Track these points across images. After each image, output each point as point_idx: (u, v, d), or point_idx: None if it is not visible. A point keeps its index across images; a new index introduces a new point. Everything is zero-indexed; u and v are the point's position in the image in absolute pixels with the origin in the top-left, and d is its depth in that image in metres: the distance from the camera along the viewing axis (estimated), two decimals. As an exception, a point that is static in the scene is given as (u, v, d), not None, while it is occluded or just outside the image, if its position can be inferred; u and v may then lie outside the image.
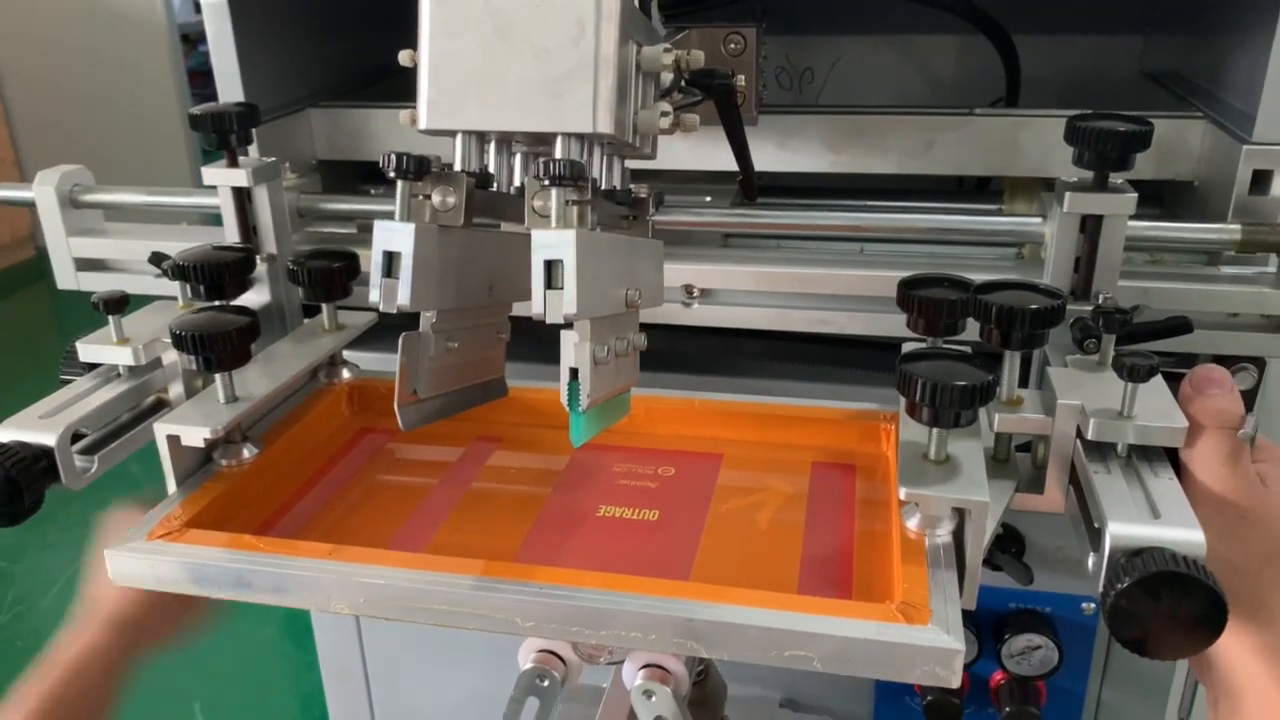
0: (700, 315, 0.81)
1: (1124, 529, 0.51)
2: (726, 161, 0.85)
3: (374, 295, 0.49)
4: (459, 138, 0.53)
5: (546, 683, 0.60)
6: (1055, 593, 0.91)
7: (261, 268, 0.83)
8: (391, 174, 0.50)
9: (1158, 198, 0.89)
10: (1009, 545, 0.89)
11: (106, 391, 0.69)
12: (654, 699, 0.58)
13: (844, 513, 0.65)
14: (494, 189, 0.54)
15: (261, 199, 0.81)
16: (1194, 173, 0.84)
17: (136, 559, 0.58)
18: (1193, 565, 0.48)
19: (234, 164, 0.79)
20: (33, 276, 4.21)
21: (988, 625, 0.91)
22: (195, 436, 0.63)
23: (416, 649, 1.09)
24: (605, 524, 0.64)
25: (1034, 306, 0.58)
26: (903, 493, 0.55)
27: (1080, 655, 0.92)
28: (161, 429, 0.64)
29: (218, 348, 0.63)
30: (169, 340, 0.68)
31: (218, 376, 0.65)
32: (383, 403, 0.78)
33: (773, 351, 0.84)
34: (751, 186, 0.77)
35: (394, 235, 0.48)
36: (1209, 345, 0.74)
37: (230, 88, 0.90)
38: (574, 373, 0.51)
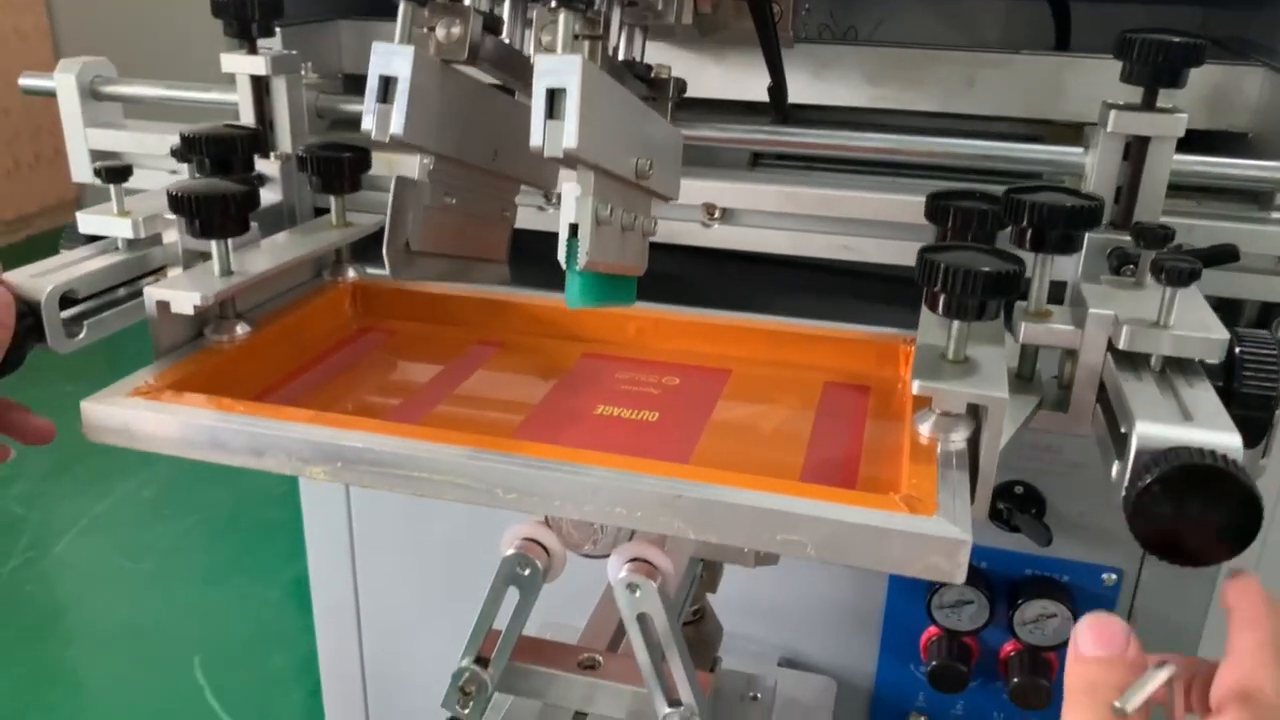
0: (720, 236, 0.78)
1: (1152, 429, 0.47)
2: (760, 90, 0.82)
3: (367, 121, 0.46)
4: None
5: (528, 571, 0.57)
6: (1075, 560, 0.86)
7: (274, 166, 0.81)
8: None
9: (1210, 150, 0.85)
10: (1028, 505, 0.85)
11: (102, 260, 0.67)
12: (638, 593, 0.55)
13: (853, 424, 0.62)
14: (504, 38, 0.51)
15: (279, 91, 0.79)
16: (1250, 124, 0.80)
17: (112, 411, 0.56)
18: (1226, 461, 0.44)
19: (253, 52, 0.78)
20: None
21: (1001, 591, 0.87)
22: (185, 303, 0.61)
23: (415, 609, 1.06)
24: (602, 421, 0.62)
25: (1070, 204, 0.55)
26: (915, 386, 0.51)
27: (1099, 629, 0.87)
28: (152, 293, 0.61)
29: (214, 211, 0.61)
30: (171, 216, 0.67)
31: (214, 247, 0.63)
32: (386, 304, 0.76)
33: (791, 282, 0.81)
34: (783, 98, 0.74)
35: (392, 59, 0.46)
36: (1257, 290, 0.70)
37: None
38: (573, 229, 0.49)
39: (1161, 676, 0.40)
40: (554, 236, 0.49)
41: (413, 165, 0.51)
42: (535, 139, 0.44)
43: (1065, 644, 0.84)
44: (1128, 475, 0.47)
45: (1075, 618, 0.84)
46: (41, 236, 4.16)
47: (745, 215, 0.77)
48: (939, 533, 0.46)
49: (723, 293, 0.85)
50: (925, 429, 0.54)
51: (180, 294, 0.61)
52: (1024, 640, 0.86)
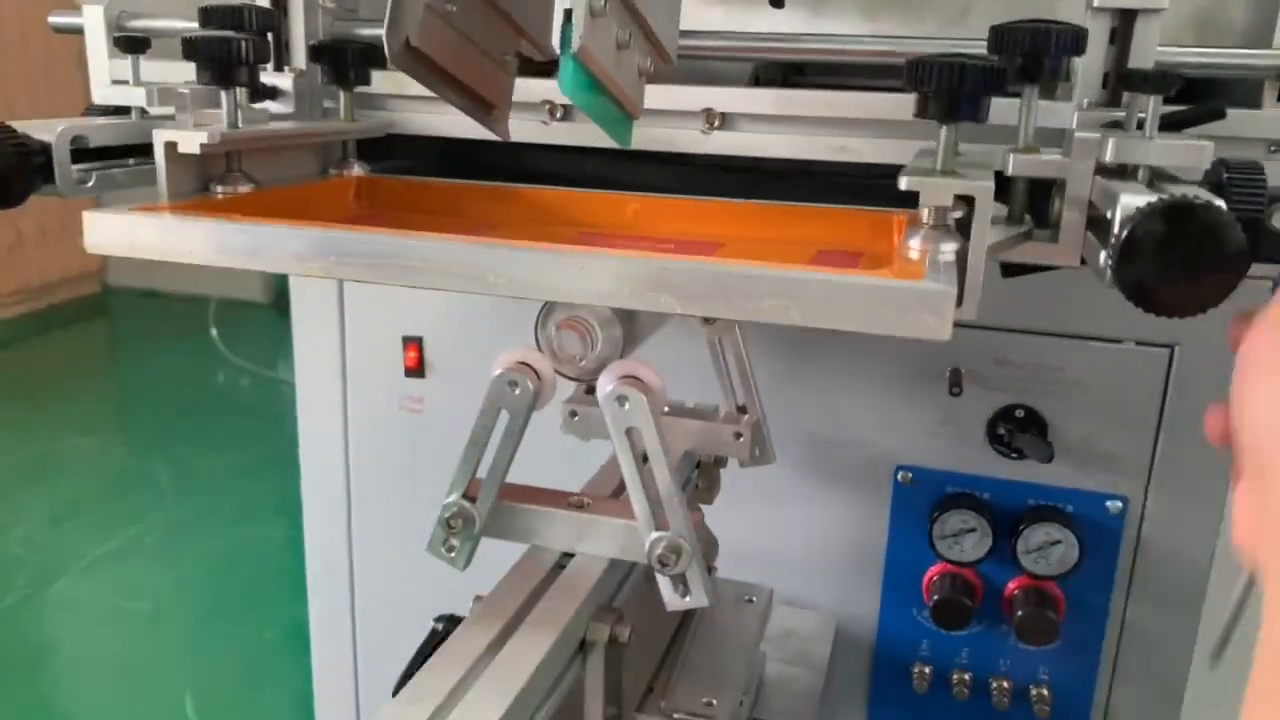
0: (719, 143, 0.79)
1: (1138, 198, 0.48)
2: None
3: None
4: None
5: (518, 390, 0.56)
6: (1078, 489, 0.85)
7: (288, 81, 0.83)
8: None
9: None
10: (1030, 429, 0.84)
11: (116, 120, 0.69)
12: (627, 405, 0.55)
13: (847, 261, 0.62)
14: None
15: (296, 8, 0.82)
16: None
17: (114, 219, 0.57)
18: (1211, 205, 0.44)
19: (274, -35, 0.81)
20: (95, 311, 4.32)
21: (1005, 524, 0.86)
22: (191, 142, 0.62)
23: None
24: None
25: (1058, 28, 0.56)
26: (903, 182, 0.52)
27: (1104, 562, 0.85)
28: (160, 135, 0.63)
29: (225, 53, 0.63)
30: (185, 89, 0.69)
31: (223, 96, 0.65)
32: (389, 196, 0.78)
33: (792, 194, 0.82)
34: (777, -9, 0.76)
35: None
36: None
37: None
38: (568, 14, 0.50)
39: None
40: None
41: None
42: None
43: (1070, 574, 0.83)
44: (1114, 234, 0.47)
45: (1080, 545, 0.83)
46: (62, 305, 4.23)
47: (743, 121, 0.78)
48: (926, 287, 0.46)
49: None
50: (915, 243, 0.54)
51: (187, 134, 0.62)
52: (1028, 570, 0.84)
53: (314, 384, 1.04)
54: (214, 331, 3.58)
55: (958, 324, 0.86)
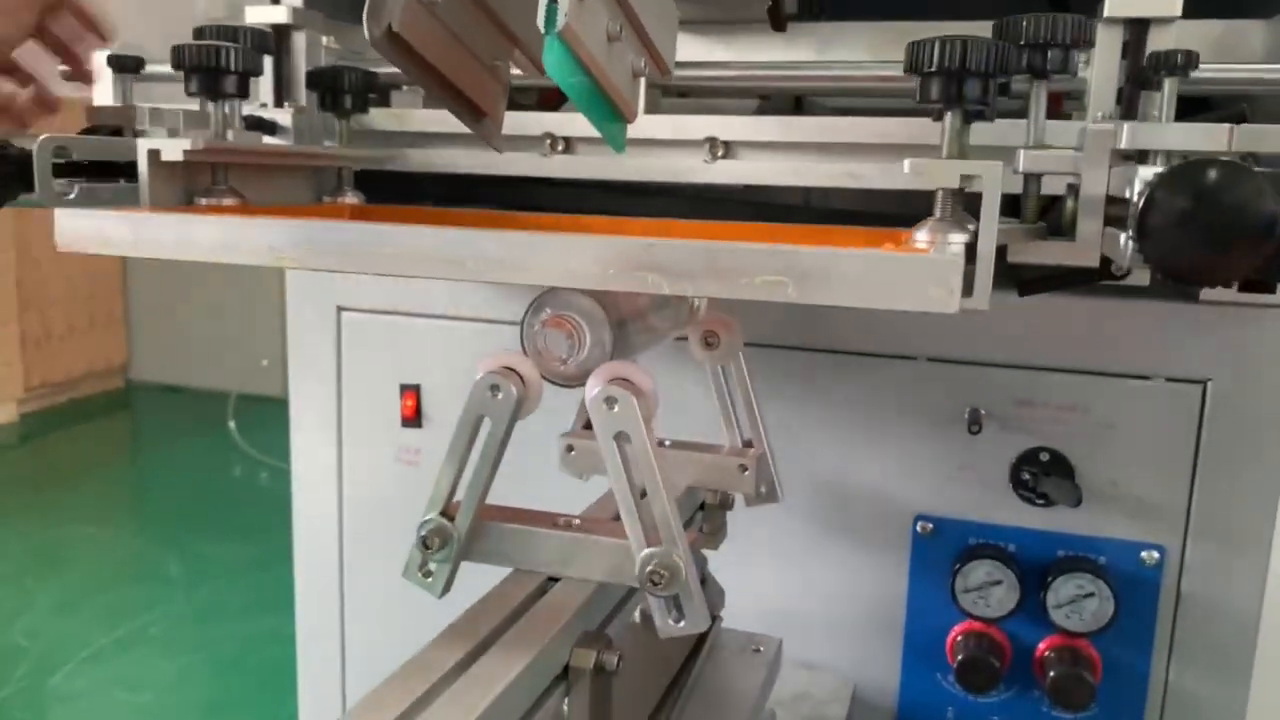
0: (722, 171, 0.77)
1: (1157, 170, 0.44)
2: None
3: None
4: None
5: (500, 395, 0.52)
6: (1110, 538, 0.80)
7: (287, 116, 0.83)
8: None
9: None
10: (1055, 469, 0.79)
11: (105, 137, 0.68)
12: (616, 408, 0.51)
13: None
14: None
15: (298, 46, 0.82)
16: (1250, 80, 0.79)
17: (86, 219, 0.55)
18: (1233, 161, 0.41)
19: (276, 1, 0.81)
20: (117, 405, 4.34)
21: (1033, 576, 0.80)
22: (175, 150, 0.61)
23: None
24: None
25: (1070, 17, 0.54)
26: (906, 165, 0.49)
27: (1141, 617, 0.79)
28: (143, 143, 0.62)
29: (214, 62, 0.62)
30: (179, 110, 0.68)
31: (210, 108, 0.64)
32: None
33: (796, 218, 0.79)
34: (779, 13, 0.75)
35: None
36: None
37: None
38: (553, -7, 0.48)
39: None
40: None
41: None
42: None
43: (1105, 630, 0.77)
44: (1134, 204, 0.43)
45: (1115, 598, 0.77)
46: (83, 399, 4.26)
47: (747, 149, 0.76)
48: (931, 257, 0.43)
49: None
50: (922, 235, 0.51)
51: (170, 142, 0.61)
52: (1060, 626, 0.78)
53: (309, 436, 1.01)
54: (232, 424, 3.57)
55: (975, 362, 0.82)
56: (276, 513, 3.02)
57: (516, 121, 0.77)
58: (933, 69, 0.49)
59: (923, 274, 0.43)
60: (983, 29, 0.80)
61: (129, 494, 3.45)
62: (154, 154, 0.61)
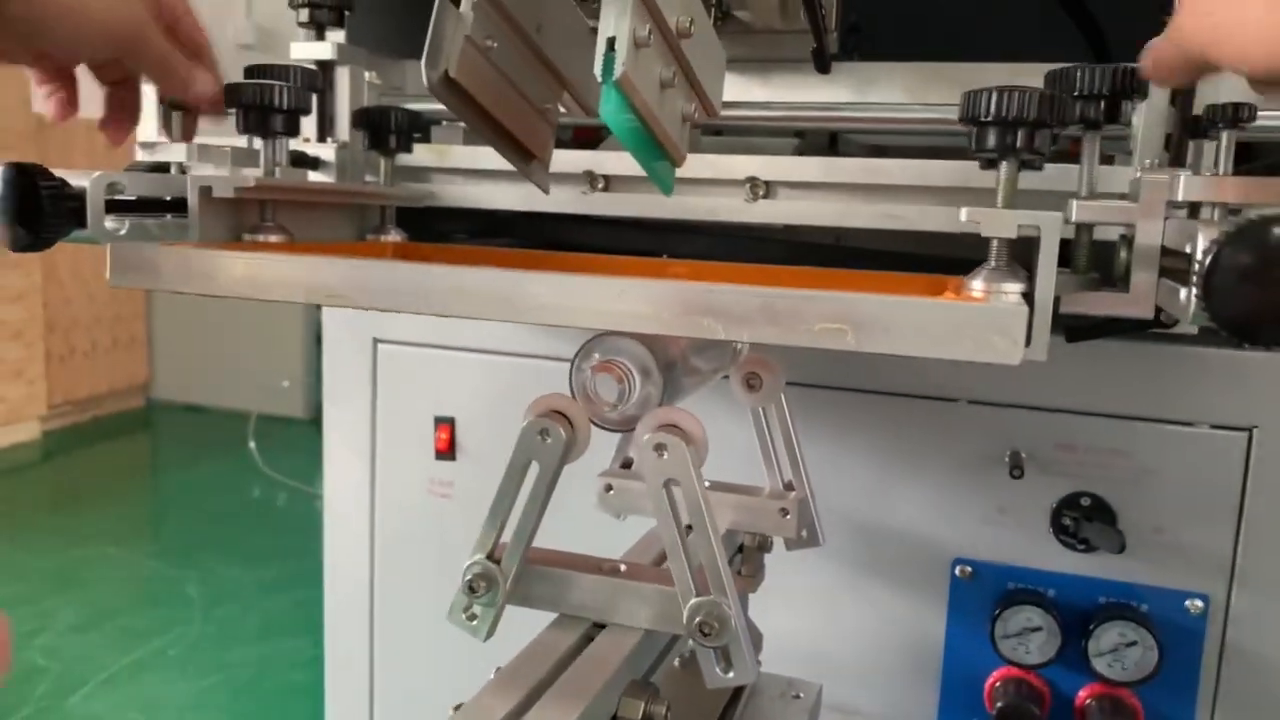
0: (763, 211, 0.77)
1: (1218, 230, 0.44)
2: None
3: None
4: None
5: (549, 440, 0.52)
6: (1154, 586, 0.79)
7: (330, 152, 0.83)
8: None
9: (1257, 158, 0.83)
10: (1096, 515, 0.78)
11: (159, 174, 0.68)
12: (665, 455, 0.51)
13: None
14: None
15: (342, 81, 0.83)
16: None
17: (139, 251, 0.56)
18: (1305, 220, 0.41)
19: (321, 39, 0.82)
20: (138, 425, 4.36)
21: (1074, 623, 0.79)
22: (226, 186, 0.61)
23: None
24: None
25: (1129, 66, 0.54)
26: (963, 214, 0.49)
27: (1186, 668, 0.78)
28: (195, 179, 0.62)
29: (266, 100, 0.62)
30: (227, 149, 0.68)
31: (261, 145, 0.64)
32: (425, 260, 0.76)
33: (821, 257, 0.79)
34: (823, 55, 0.75)
35: None
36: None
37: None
38: (610, 43, 0.49)
39: None
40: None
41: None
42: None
43: (1149, 680, 0.76)
44: (1198, 261, 0.43)
45: (1159, 648, 0.76)
46: (107, 417, 4.28)
47: (788, 190, 0.76)
48: (995, 306, 0.43)
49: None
50: (978, 284, 0.51)
51: (221, 178, 0.61)
52: (1102, 675, 0.77)
53: (342, 467, 1.01)
54: (252, 444, 3.57)
55: (1016, 405, 0.81)
56: (295, 534, 3.02)
57: (558, 159, 0.77)
58: (989, 119, 0.49)
59: (986, 324, 0.42)
60: (1017, 71, 0.80)
61: (148, 514, 3.46)
62: (205, 190, 0.62)
